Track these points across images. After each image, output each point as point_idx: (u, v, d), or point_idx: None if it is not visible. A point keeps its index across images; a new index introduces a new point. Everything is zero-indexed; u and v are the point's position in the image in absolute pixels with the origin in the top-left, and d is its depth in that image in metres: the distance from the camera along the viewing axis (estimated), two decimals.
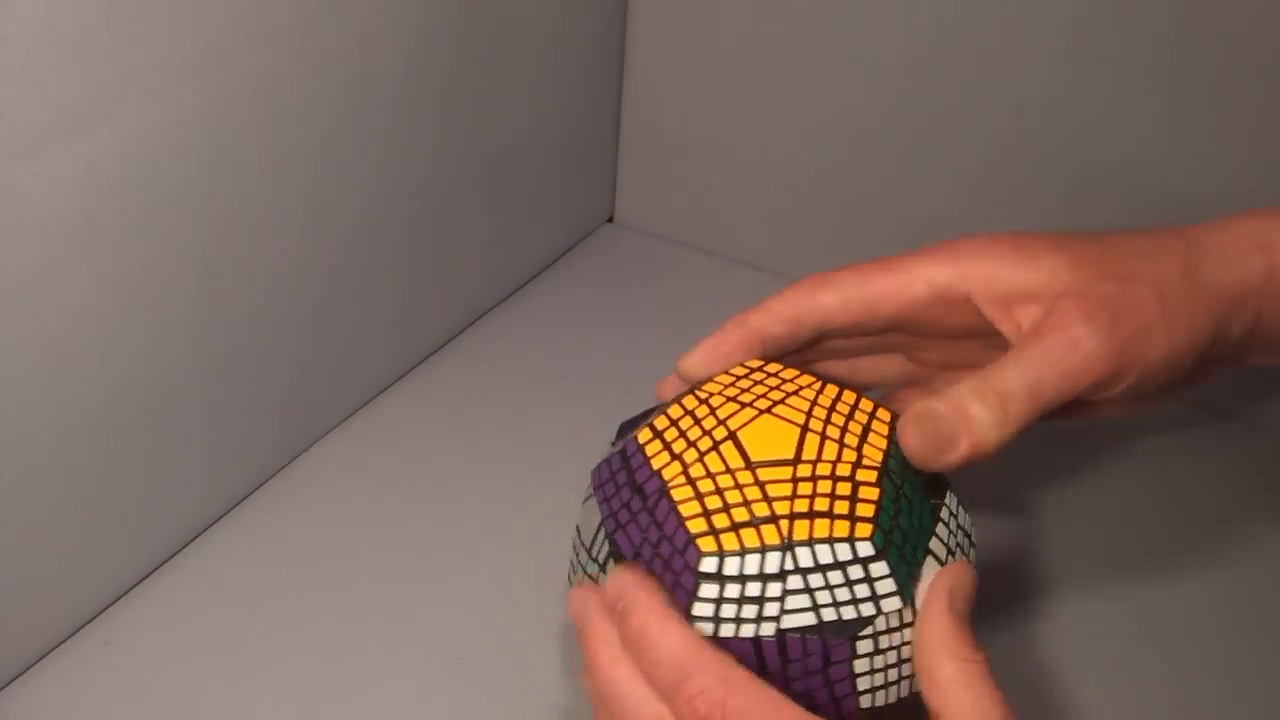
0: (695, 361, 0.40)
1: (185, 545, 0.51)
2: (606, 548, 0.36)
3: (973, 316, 0.38)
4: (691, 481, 0.35)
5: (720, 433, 0.36)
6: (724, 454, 0.36)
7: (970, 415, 0.35)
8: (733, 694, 0.33)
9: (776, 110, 0.66)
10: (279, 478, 0.55)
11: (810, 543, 0.34)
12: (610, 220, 0.75)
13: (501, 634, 0.48)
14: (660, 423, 0.37)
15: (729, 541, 0.34)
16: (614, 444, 0.40)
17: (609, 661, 0.35)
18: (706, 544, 0.34)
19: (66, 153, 0.39)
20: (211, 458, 0.51)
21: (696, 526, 0.34)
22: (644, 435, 0.37)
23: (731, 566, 0.34)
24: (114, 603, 0.49)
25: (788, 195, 0.68)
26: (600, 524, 0.37)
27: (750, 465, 0.35)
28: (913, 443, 0.36)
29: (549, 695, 0.46)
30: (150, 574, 0.50)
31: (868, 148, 0.64)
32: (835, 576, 0.34)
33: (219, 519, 0.53)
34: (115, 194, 0.42)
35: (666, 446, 0.37)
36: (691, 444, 0.36)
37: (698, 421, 0.37)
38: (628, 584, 0.35)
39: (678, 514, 0.35)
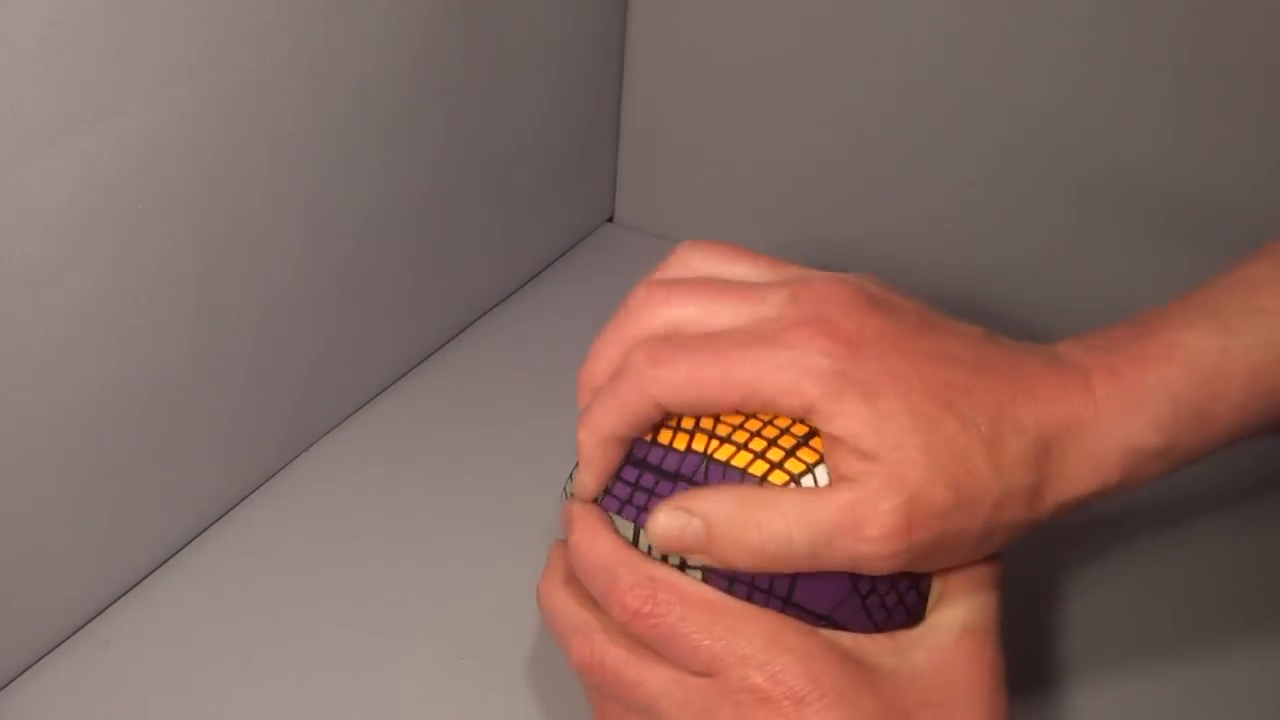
0: (590, 492, 0.40)
1: (185, 545, 0.51)
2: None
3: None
4: (690, 433, 0.38)
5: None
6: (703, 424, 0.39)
7: (661, 529, 0.37)
8: (660, 588, 0.36)
9: (776, 111, 0.66)
10: (279, 478, 0.55)
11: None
12: (610, 220, 0.75)
13: (501, 634, 0.48)
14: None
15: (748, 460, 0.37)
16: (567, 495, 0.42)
17: (545, 591, 0.41)
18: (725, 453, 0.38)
19: (66, 153, 0.39)
20: (211, 458, 0.51)
21: (722, 452, 0.38)
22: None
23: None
24: (114, 603, 0.49)
25: (788, 196, 0.68)
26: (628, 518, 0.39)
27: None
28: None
29: (549, 695, 0.46)
30: (150, 574, 0.50)
31: (868, 148, 0.64)
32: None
33: (219, 519, 0.53)
34: (115, 194, 0.42)
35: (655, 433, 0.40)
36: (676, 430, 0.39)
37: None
38: (570, 509, 0.40)
39: (698, 452, 0.38)
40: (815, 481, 0.36)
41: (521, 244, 0.67)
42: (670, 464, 0.38)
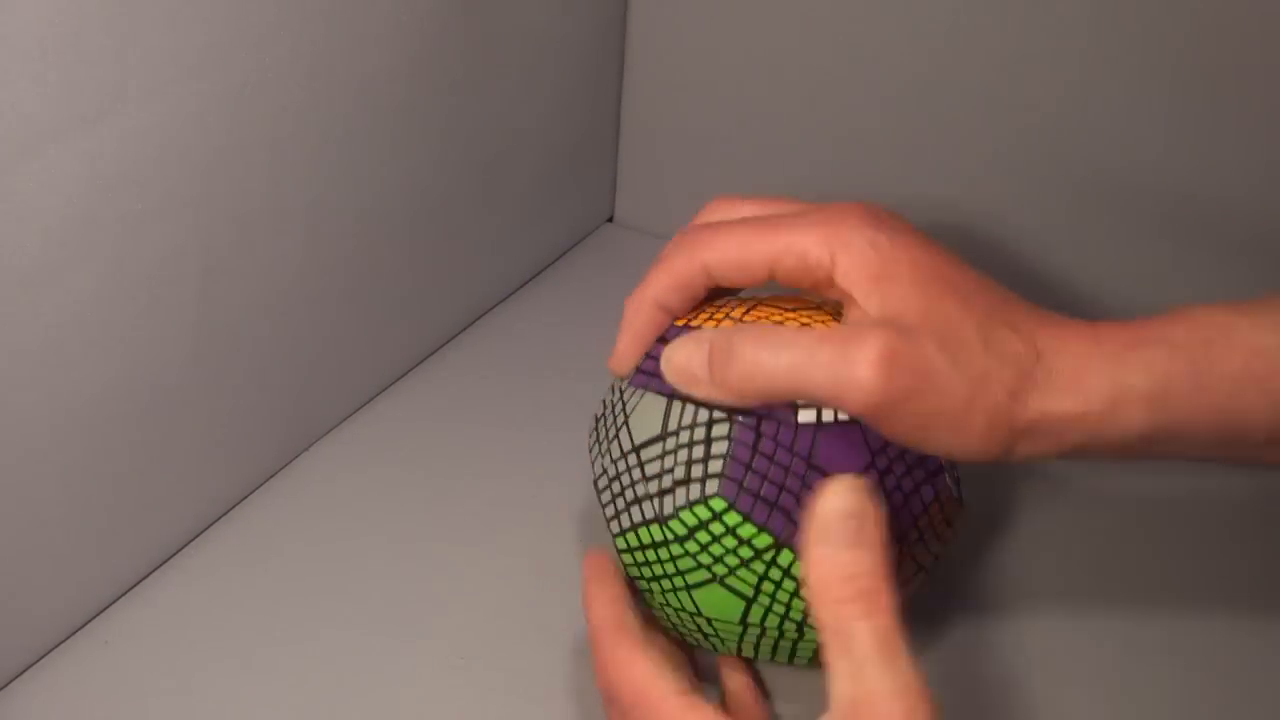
0: (623, 359, 0.43)
1: (185, 545, 0.51)
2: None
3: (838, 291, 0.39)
4: None
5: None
6: None
7: (673, 358, 0.40)
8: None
9: (776, 111, 0.66)
10: (279, 478, 0.55)
11: None
12: (610, 220, 0.75)
13: (502, 634, 0.48)
14: None
15: None
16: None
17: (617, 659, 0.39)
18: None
19: (67, 153, 0.39)
20: (211, 458, 0.51)
21: None
22: None
23: None
24: (114, 603, 0.49)
25: (787, 195, 0.68)
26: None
27: None
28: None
29: (549, 695, 0.46)
30: (150, 574, 0.50)
31: (868, 148, 0.64)
32: None
33: (219, 519, 0.53)
34: (115, 194, 0.42)
35: None
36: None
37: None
38: (596, 610, 0.40)
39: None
40: None
41: (521, 244, 0.67)
42: None
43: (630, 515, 0.42)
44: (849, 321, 0.38)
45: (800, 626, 0.41)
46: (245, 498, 0.54)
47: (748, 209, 0.43)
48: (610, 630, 0.39)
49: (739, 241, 0.40)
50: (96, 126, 0.40)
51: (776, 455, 0.39)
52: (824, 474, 0.38)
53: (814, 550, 0.35)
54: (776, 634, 0.41)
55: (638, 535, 0.42)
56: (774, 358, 0.37)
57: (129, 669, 0.46)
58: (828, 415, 0.39)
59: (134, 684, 0.46)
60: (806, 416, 0.39)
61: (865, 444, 0.39)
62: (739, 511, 0.39)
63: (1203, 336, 0.37)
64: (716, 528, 0.40)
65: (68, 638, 0.47)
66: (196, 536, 0.52)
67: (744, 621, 0.41)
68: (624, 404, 0.43)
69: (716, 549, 0.40)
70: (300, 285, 0.52)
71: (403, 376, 0.61)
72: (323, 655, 0.47)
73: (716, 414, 0.40)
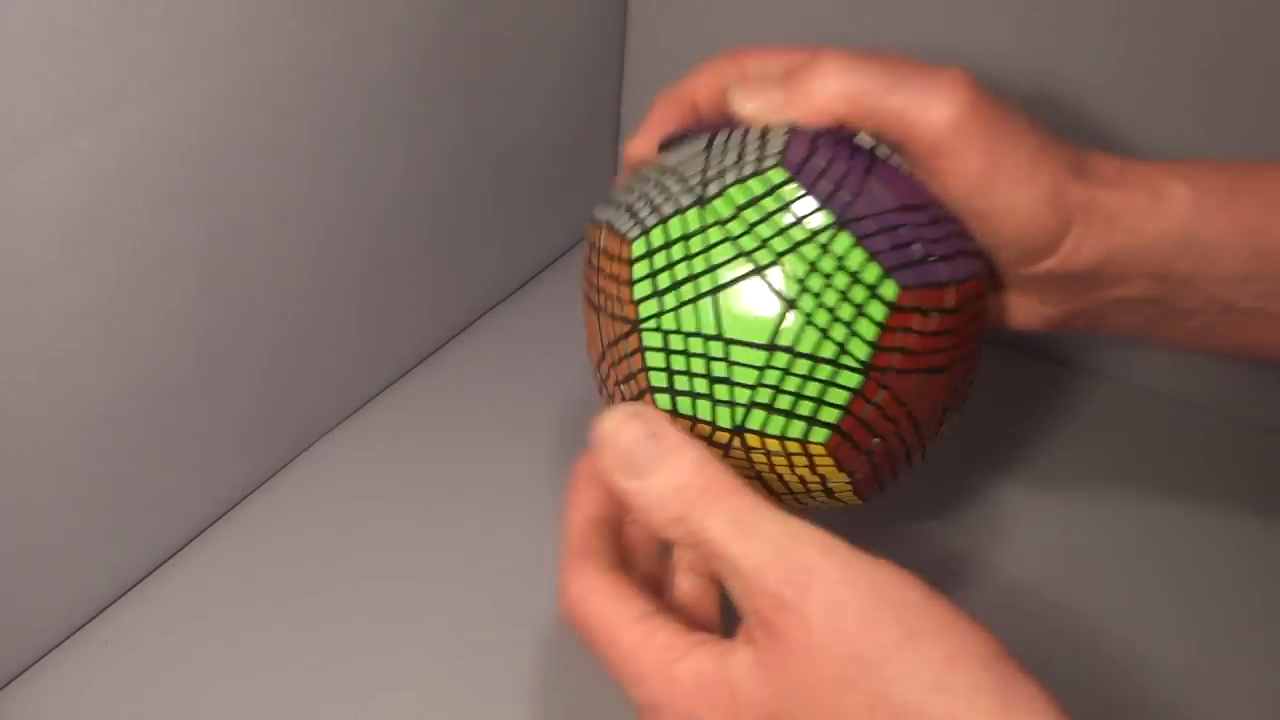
0: (642, 143, 0.42)
1: (185, 545, 0.51)
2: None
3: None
4: None
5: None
6: None
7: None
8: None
9: None
10: (279, 478, 0.55)
11: None
12: None
13: (502, 634, 0.48)
14: None
15: None
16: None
17: (579, 593, 0.35)
18: None
19: (66, 153, 0.39)
20: (211, 458, 0.51)
21: None
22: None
23: None
24: (114, 603, 0.49)
25: None
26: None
27: None
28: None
29: (549, 695, 0.46)
30: (150, 574, 0.50)
31: None
32: None
33: (219, 519, 0.53)
34: (115, 194, 0.42)
35: None
36: None
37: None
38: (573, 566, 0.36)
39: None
40: None
41: (521, 244, 0.67)
42: None
43: (658, 211, 0.37)
44: None
45: (842, 349, 0.35)
46: (245, 498, 0.54)
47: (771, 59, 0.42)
48: (575, 554, 0.36)
49: (784, 59, 0.40)
50: (96, 126, 0.40)
51: (835, 159, 0.37)
52: (882, 187, 0.37)
53: (628, 485, 0.34)
54: (808, 367, 0.35)
55: (665, 230, 0.36)
56: (859, 73, 0.37)
57: (129, 669, 0.46)
58: (882, 152, 0.38)
59: (134, 684, 0.46)
60: (864, 141, 0.38)
61: (917, 188, 0.38)
62: (801, 183, 0.36)
63: (1235, 166, 0.39)
64: (770, 203, 0.36)
65: (68, 638, 0.47)
66: (196, 536, 0.52)
67: (772, 341, 0.35)
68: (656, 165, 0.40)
69: (765, 229, 0.35)
70: (300, 285, 0.52)
71: (403, 376, 0.61)
72: (323, 655, 0.47)
73: (770, 129, 0.38)
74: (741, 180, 0.36)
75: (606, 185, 0.73)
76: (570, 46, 0.65)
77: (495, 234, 0.64)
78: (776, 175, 0.36)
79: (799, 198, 0.36)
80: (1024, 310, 0.41)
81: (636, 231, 0.37)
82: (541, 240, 0.69)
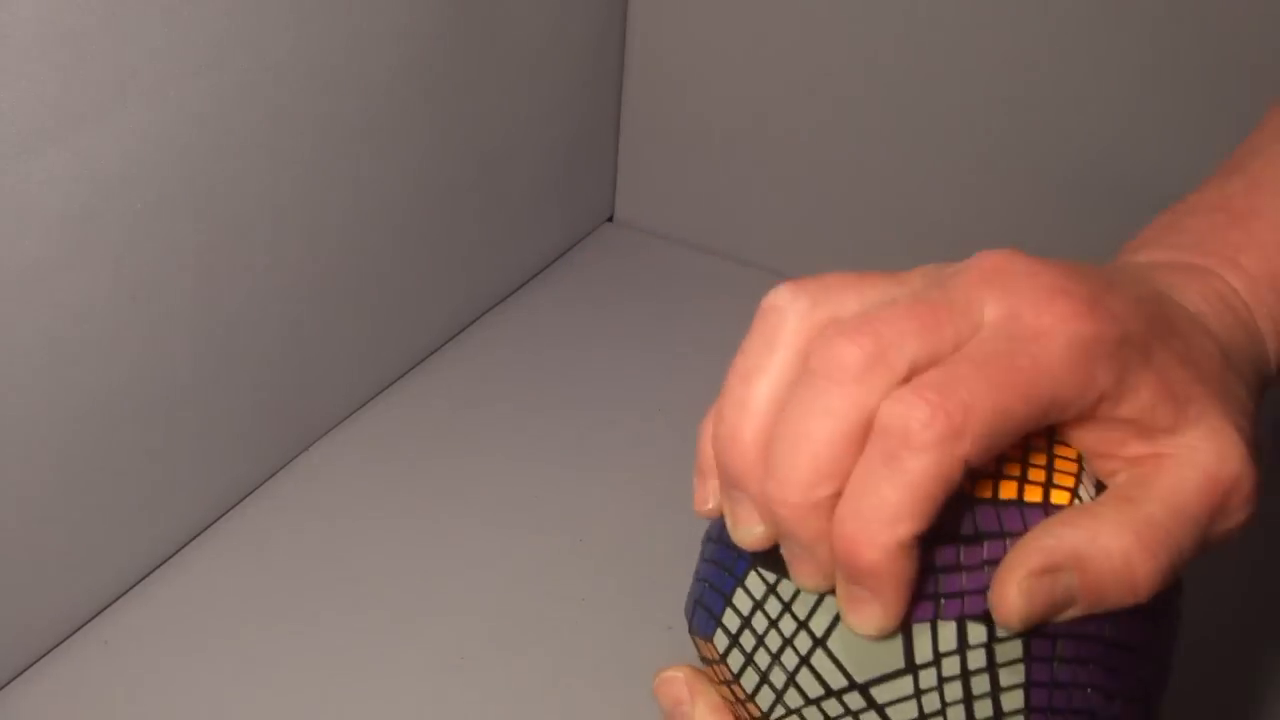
0: (894, 622, 0.28)
1: (185, 545, 0.51)
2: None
3: None
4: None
5: None
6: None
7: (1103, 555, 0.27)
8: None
9: (776, 109, 0.66)
10: (279, 478, 0.55)
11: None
12: (610, 220, 0.75)
13: (502, 634, 0.48)
14: None
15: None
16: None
17: None
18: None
19: (66, 153, 0.39)
20: (211, 457, 0.51)
21: (981, 489, 0.28)
22: None
23: None
24: (114, 603, 0.49)
25: (788, 194, 0.68)
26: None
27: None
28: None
29: (549, 695, 0.46)
30: (150, 574, 0.50)
31: (868, 147, 0.65)
32: None
33: (219, 519, 0.53)
34: (115, 194, 0.42)
35: None
36: None
37: None
38: None
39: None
40: (1086, 487, 0.29)
41: (522, 244, 0.67)
42: (948, 525, 0.27)
43: None
44: (1127, 453, 0.28)
45: None
46: (245, 498, 0.54)
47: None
48: None
49: (1000, 409, 0.26)
50: (96, 126, 0.40)
51: (1079, 675, 0.29)
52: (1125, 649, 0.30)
53: None
54: None
55: None
56: (1175, 553, 0.29)
57: (129, 669, 0.46)
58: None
59: (134, 684, 0.46)
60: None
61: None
62: None
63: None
64: None
65: (68, 638, 0.47)
66: (196, 536, 0.52)
67: None
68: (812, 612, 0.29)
69: None
70: (300, 285, 0.52)
71: (403, 376, 0.61)
72: (322, 655, 0.47)
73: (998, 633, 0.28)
74: None
75: (606, 185, 0.73)
76: (570, 47, 0.65)
77: (495, 234, 0.64)
78: None
79: None
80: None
81: None
82: (541, 240, 0.69)
